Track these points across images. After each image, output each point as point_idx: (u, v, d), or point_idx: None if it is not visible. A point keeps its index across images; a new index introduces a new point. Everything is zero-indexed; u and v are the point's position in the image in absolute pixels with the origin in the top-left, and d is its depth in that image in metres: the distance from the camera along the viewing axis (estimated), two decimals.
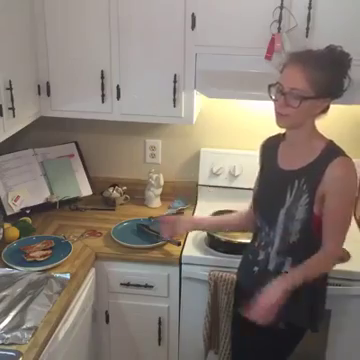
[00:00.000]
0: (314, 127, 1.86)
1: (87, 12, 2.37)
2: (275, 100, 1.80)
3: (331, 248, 1.84)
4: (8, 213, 2.60)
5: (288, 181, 1.85)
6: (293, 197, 1.83)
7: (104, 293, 2.45)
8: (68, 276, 2.14)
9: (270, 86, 1.81)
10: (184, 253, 2.37)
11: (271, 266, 1.93)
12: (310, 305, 1.92)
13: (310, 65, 1.72)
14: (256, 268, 1.98)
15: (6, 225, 2.46)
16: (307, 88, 1.72)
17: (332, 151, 1.82)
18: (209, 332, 2.34)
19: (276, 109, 1.81)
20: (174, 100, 2.43)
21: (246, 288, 2.02)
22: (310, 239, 1.86)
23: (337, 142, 1.87)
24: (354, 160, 1.83)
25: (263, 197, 1.98)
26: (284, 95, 1.75)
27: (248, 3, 2.24)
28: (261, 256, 1.96)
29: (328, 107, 1.82)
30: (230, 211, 2.59)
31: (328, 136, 1.88)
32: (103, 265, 2.40)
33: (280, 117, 1.81)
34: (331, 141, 1.87)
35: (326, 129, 1.89)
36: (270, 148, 2.00)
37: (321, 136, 1.88)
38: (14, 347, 1.73)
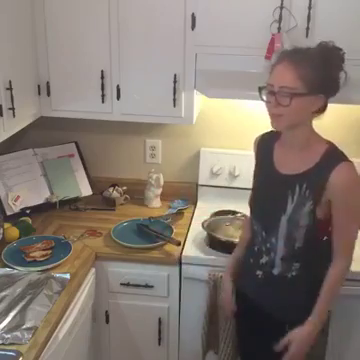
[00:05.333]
0: (311, 128, 1.82)
1: (87, 12, 2.37)
2: (267, 101, 1.77)
3: (343, 262, 1.83)
4: (8, 213, 2.60)
5: (288, 186, 1.81)
6: (295, 203, 1.79)
7: (104, 293, 2.45)
8: (68, 276, 2.14)
9: (261, 88, 1.78)
10: (184, 253, 2.36)
11: (276, 271, 1.90)
12: (312, 306, 1.91)
13: (299, 61, 1.69)
14: (259, 272, 1.94)
15: (6, 225, 2.46)
16: (297, 85, 1.68)
17: (334, 155, 1.79)
18: (208, 332, 2.34)
19: (269, 110, 1.77)
20: (174, 100, 2.43)
21: (249, 293, 1.99)
22: (316, 243, 1.85)
23: (339, 144, 1.84)
24: (356, 160, 1.81)
25: (260, 202, 1.93)
26: (274, 95, 1.72)
27: (248, 3, 2.24)
28: (264, 260, 1.93)
29: (325, 106, 1.78)
30: (230, 211, 2.61)
31: (330, 138, 1.85)
32: (103, 265, 2.40)
33: (274, 118, 1.77)
34: (331, 143, 1.83)
35: (327, 130, 1.87)
36: (264, 147, 1.96)
37: (320, 138, 1.84)
38: (14, 347, 1.73)
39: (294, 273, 1.87)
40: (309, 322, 1.83)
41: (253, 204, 1.97)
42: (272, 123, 1.79)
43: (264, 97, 1.78)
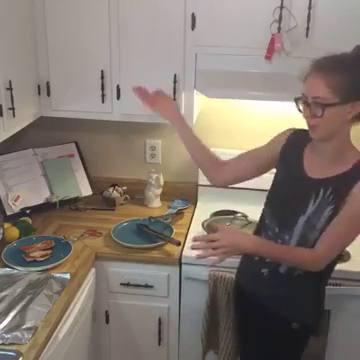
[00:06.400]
0: (348, 140, 1.79)
1: (87, 12, 2.37)
2: (302, 112, 1.75)
3: (319, 253, 1.78)
4: (8, 213, 2.60)
5: (313, 189, 1.80)
6: (316, 206, 1.79)
7: (104, 293, 2.45)
8: (68, 276, 2.14)
9: (296, 99, 1.76)
10: (184, 253, 2.36)
11: (283, 269, 1.88)
12: (317, 305, 1.92)
13: (328, 70, 1.67)
14: (265, 270, 1.91)
15: (6, 225, 2.46)
16: (328, 95, 1.66)
17: None
18: (208, 332, 2.34)
19: (306, 121, 1.76)
20: (174, 100, 2.42)
21: (252, 292, 1.98)
22: None
23: None
24: None
25: (280, 200, 1.91)
26: (309, 106, 1.71)
27: (248, 3, 2.24)
28: None
29: None
30: (230, 211, 2.61)
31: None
32: (103, 265, 2.40)
33: (311, 128, 1.76)
34: None
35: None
36: (296, 147, 1.91)
37: (354, 148, 1.81)
38: (14, 347, 1.73)
39: (300, 271, 1.86)
40: (252, 242, 1.82)
41: (273, 200, 1.95)
42: (310, 133, 1.78)
43: (300, 107, 1.77)
